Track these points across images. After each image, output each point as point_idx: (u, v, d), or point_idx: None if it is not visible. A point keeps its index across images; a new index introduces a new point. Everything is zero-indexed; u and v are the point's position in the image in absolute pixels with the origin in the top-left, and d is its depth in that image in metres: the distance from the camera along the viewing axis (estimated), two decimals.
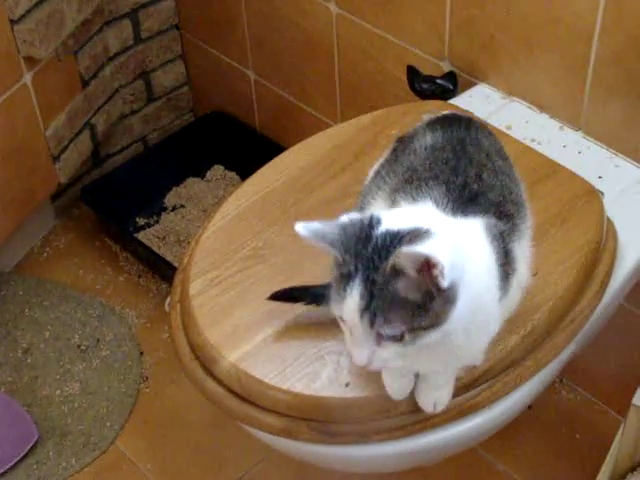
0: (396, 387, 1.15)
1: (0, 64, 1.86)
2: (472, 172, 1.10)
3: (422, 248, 0.92)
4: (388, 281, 0.94)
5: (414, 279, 0.93)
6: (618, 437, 1.59)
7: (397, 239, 0.95)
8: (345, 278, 0.96)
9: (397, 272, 0.93)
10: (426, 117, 1.23)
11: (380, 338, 0.96)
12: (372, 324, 0.95)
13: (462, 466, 1.79)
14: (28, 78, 1.93)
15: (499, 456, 1.81)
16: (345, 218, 0.98)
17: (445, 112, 1.23)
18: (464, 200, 1.06)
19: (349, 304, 0.96)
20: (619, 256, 1.40)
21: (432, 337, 0.96)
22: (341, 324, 1.01)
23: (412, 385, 1.16)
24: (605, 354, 1.83)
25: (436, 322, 0.96)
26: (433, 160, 1.12)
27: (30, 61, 1.92)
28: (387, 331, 0.95)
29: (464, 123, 1.18)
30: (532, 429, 1.85)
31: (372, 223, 0.97)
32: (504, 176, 1.14)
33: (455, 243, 0.97)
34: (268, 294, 1.27)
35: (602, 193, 1.45)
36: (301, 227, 0.96)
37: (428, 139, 1.15)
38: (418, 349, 0.98)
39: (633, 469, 1.64)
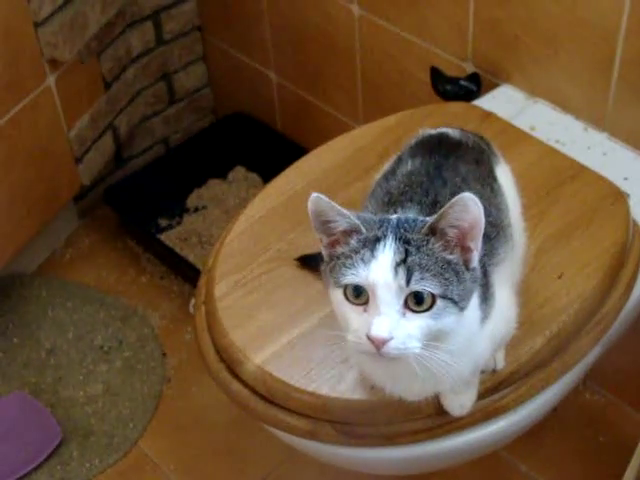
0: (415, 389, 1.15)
1: (24, 67, 1.87)
2: (445, 192, 1.09)
3: (480, 210, 0.92)
4: (426, 239, 0.94)
5: (452, 242, 0.94)
6: None
7: (420, 219, 0.97)
8: (371, 242, 0.94)
9: (435, 232, 0.94)
10: (421, 132, 1.23)
11: (405, 307, 0.93)
12: (408, 280, 0.92)
13: (485, 468, 1.79)
14: (52, 80, 1.94)
15: (522, 458, 1.81)
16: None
17: (435, 131, 1.22)
18: None
19: (381, 262, 0.93)
20: None
21: (452, 321, 0.94)
22: (348, 306, 0.96)
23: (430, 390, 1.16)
24: (629, 356, 1.81)
25: (462, 301, 0.95)
26: (408, 184, 1.11)
27: (54, 63, 1.93)
28: (424, 287, 0.92)
29: (445, 148, 1.16)
30: (556, 431, 1.84)
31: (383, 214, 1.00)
32: (482, 200, 1.13)
33: None
34: (293, 296, 1.27)
35: (628, 194, 1.44)
36: (322, 196, 0.96)
37: (409, 165, 1.15)
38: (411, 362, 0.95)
39: None
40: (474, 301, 1.00)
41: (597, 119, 1.60)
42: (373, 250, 0.94)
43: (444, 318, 0.94)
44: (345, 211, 0.96)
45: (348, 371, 1.20)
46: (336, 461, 1.33)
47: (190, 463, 1.86)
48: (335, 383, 1.19)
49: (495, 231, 1.11)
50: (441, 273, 0.93)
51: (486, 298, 1.04)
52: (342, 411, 1.19)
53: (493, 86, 1.70)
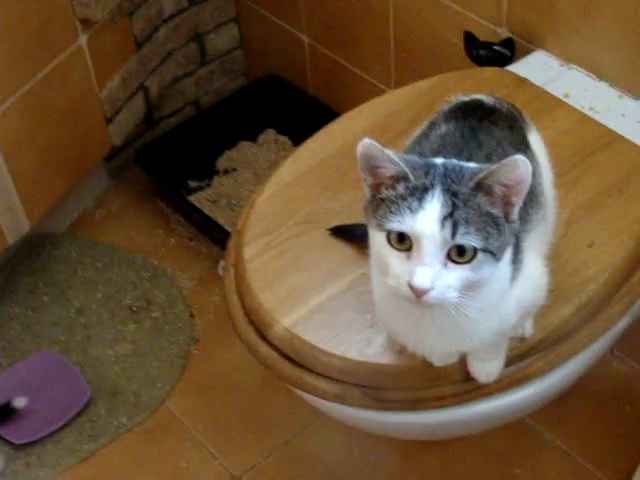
0: (438, 355, 1.15)
1: (56, 26, 1.87)
2: (480, 154, 1.09)
3: (529, 170, 0.94)
4: (474, 193, 0.95)
5: (495, 198, 0.95)
6: None
7: (467, 167, 0.98)
8: (419, 191, 0.95)
9: (482, 187, 0.95)
10: (454, 99, 1.22)
11: (448, 259, 0.95)
12: (454, 233, 0.93)
13: (510, 435, 1.79)
14: (83, 40, 1.94)
15: (548, 426, 1.81)
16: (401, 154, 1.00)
17: (468, 98, 1.21)
18: None
19: (429, 213, 0.94)
20: None
21: (489, 273, 0.96)
22: (389, 251, 0.97)
23: (456, 354, 1.16)
24: None
25: (499, 253, 0.97)
26: (442, 144, 1.12)
27: (86, 23, 1.93)
28: (468, 241, 0.94)
29: (480, 113, 1.16)
30: (582, 400, 1.84)
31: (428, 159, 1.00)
32: None
33: None
34: (323, 259, 1.27)
35: None
36: (373, 141, 0.96)
37: (442, 129, 1.15)
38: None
39: None
40: (507, 256, 1.01)
41: (632, 86, 1.58)
42: (421, 200, 0.95)
43: (483, 270, 0.96)
44: (395, 158, 0.96)
45: (376, 335, 1.20)
46: (362, 425, 1.33)
47: (216, 423, 1.87)
48: (363, 347, 1.20)
49: (528, 197, 1.11)
50: (484, 227, 0.95)
51: (515, 260, 1.05)
52: (370, 375, 1.20)
53: (527, 52, 1.69)
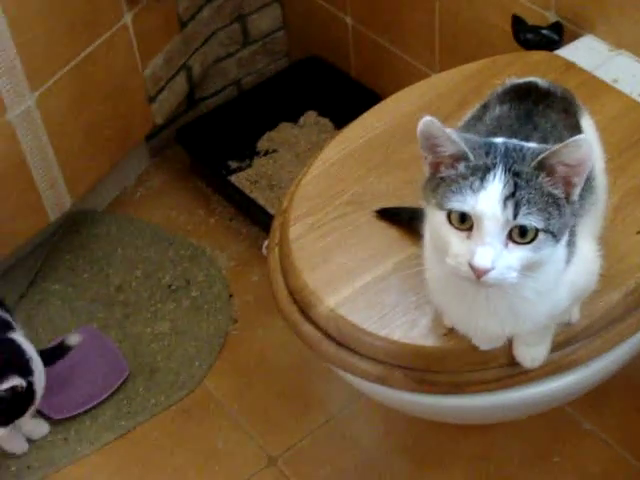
0: (485, 337, 1.15)
1: (102, 4, 1.87)
2: (535, 135, 1.09)
3: (590, 150, 0.94)
4: (535, 174, 0.95)
5: (557, 179, 0.95)
6: None
7: (528, 146, 0.98)
8: (480, 171, 0.95)
9: (544, 167, 0.95)
10: (507, 81, 1.21)
11: (509, 240, 0.95)
12: (516, 214, 0.93)
13: (550, 424, 1.78)
14: (128, 18, 1.94)
15: (587, 415, 1.80)
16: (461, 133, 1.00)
17: (522, 80, 1.20)
18: None
19: (491, 193, 0.94)
20: None
21: (549, 253, 0.96)
22: (449, 230, 0.97)
23: (503, 338, 1.16)
24: None
25: (560, 233, 0.96)
26: (498, 126, 1.11)
27: (131, 1, 1.93)
28: (530, 221, 0.93)
29: (535, 96, 1.16)
30: (621, 388, 1.82)
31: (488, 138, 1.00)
32: None
33: None
34: (368, 240, 1.27)
35: None
36: (433, 119, 0.96)
37: (497, 111, 1.15)
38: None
39: None
40: (564, 238, 1.01)
41: None
42: (482, 180, 0.94)
43: (543, 250, 0.96)
44: (456, 137, 0.96)
45: (421, 317, 1.20)
46: (404, 407, 1.33)
47: (253, 404, 1.87)
48: (408, 329, 1.19)
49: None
50: (545, 207, 0.95)
51: (569, 244, 1.04)
52: (413, 357, 1.19)
53: (576, 36, 1.67)
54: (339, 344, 1.23)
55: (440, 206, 0.97)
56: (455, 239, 0.97)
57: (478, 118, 1.17)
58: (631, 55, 1.62)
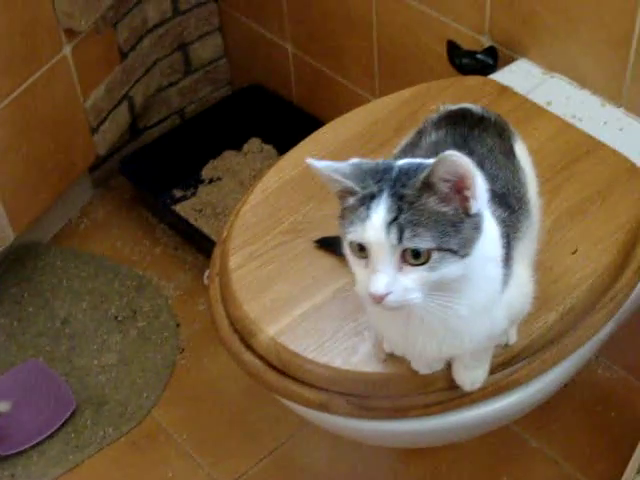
0: (424, 361, 1.16)
1: (41, 36, 1.87)
2: (472, 161, 1.09)
3: (469, 162, 0.93)
4: (419, 195, 0.95)
5: (444, 196, 0.94)
6: None
7: (422, 166, 0.97)
8: (367, 199, 0.96)
9: (428, 187, 0.94)
10: (442, 108, 1.22)
11: (403, 262, 0.95)
12: (400, 238, 0.93)
13: (495, 442, 1.79)
14: (68, 50, 1.94)
15: (533, 433, 1.81)
16: (355, 159, 1.00)
17: (456, 107, 1.22)
18: None
19: (374, 220, 0.94)
20: None
21: (455, 270, 0.96)
22: (353, 260, 0.98)
23: (442, 361, 1.17)
24: None
25: (463, 249, 0.95)
26: (434, 152, 1.11)
27: (70, 33, 1.93)
28: (417, 244, 0.93)
29: (470, 121, 1.17)
30: (567, 406, 1.84)
31: (391, 162, 1.00)
32: (507, 171, 1.14)
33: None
34: (307, 268, 1.27)
35: None
36: (313, 161, 0.97)
37: (433, 137, 1.16)
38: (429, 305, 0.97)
39: None
40: (492, 254, 1.02)
41: (614, 94, 1.59)
42: (368, 208, 0.95)
43: (443, 268, 0.95)
44: (337, 175, 0.97)
45: (361, 343, 1.20)
46: (347, 433, 1.33)
47: (203, 433, 1.87)
48: (348, 355, 1.20)
49: (518, 205, 1.12)
50: (435, 226, 0.94)
51: (507, 267, 1.05)
52: (354, 383, 1.20)
53: (510, 60, 1.69)
54: (281, 372, 1.23)
55: (343, 237, 0.98)
56: (358, 268, 0.98)
57: (414, 144, 1.18)
58: (564, 78, 1.64)
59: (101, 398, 1.91)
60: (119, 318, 2.04)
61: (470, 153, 1.11)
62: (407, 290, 0.95)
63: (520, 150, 1.21)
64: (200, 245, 2.14)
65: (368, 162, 1.00)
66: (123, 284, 2.11)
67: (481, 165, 1.09)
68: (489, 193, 1.02)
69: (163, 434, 1.87)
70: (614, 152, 1.43)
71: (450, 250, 0.95)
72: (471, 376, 1.17)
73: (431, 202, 0.95)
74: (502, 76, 1.64)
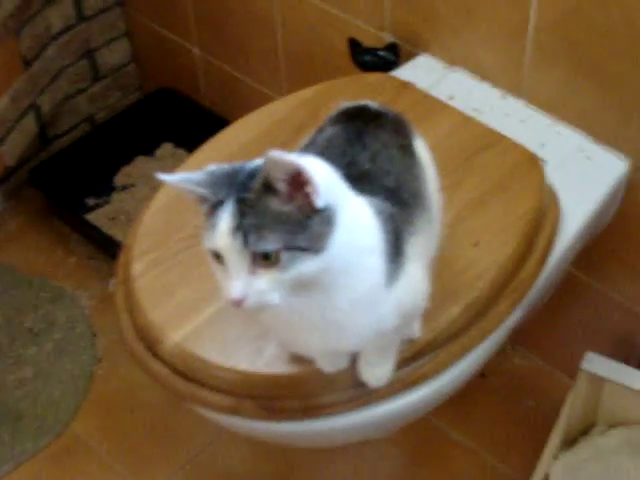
0: (327, 359, 1.15)
1: None
2: (364, 155, 1.10)
3: (292, 158, 0.92)
4: (259, 197, 0.94)
5: (286, 194, 0.94)
6: (568, 402, 1.61)
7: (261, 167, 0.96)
8: (217, 206, 0.95)
9: (269, 188, 0.94)
10: (342, 104, 1.22)
11: (255, 265, 0.94)
12: (246, 242, 0.93)
13: (416, 436, 1.80)
14: None
15: (453, 425, 1.83)
16: (212, 165, 0.99)
17: (354, 104, 1.22)
18: (352, 178, 1.04)
19: (221, 227, 0.94)
20: (562, 223, 1.40)
21: (310, 266, 0.95)
22: (214, 267, 0.98)
23: (345, 358, 1.17)
24: (555, 320, 1.84)
25: (315, 244, 0.95)
26: (327, 146, 1.12)
27: None
28: (261, 246, 0.93)
29: (366, 117, 1.17)
30: (485, 396, 1.86)
31: (244, 164, 0.99)
32: (401, 166, 1.13)
33: (330, 171, 0.99)
34: (210, 273, 1.26)
35: (544, 161, 1.45)
36: (165, 176, 0.97)
37: (328, 132, 1.16)
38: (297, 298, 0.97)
39: (584, 432, 1.66)
40: (376, 247, 1.01)
41: (514, 86, 1.60)
42: (216, 216, 0.95)
43: (296, 266, 0.94)
44: (191, 186, 0.96)
45: (266, 346, 1.20)
46: (259, 436, 1.33)
47: (123, 443, 1.85)
48: (254, 358, 1.19)
49: (414, 200, 1.12)
50: (279, 226, 0.94)
51: (395, 261, 1.04)
52: (261, 386, 1.19)
53: (412, 56, 1.70)
54: (188, 379, 1.22)
55: (204, 244, 0.98)
56: (219, 275, 0.98)
57: (312, 142, 1.18)
58: (465, 71, 1.65)
59: (18, 413, 1.88)
60: (34, 331, 2.02)
61: (363, 148, 1.11)
62: (262, 292, 0.95)
63: (419, 147, 1.21)
64: (114, 253, 2.07)
65: (223, 167, 0.99)
66: (37, 296, 2.08)
67: (373, 160, 1.09)
68: (385, 188, 1.02)
69: (83, 446, 1.85)
70: (514, 144, 1.44)
71: (299, 248, 0.94)
72: (376, 373, 1.17)
73: (273, 203, 0.94)
74: (404, 72, 1.64)
